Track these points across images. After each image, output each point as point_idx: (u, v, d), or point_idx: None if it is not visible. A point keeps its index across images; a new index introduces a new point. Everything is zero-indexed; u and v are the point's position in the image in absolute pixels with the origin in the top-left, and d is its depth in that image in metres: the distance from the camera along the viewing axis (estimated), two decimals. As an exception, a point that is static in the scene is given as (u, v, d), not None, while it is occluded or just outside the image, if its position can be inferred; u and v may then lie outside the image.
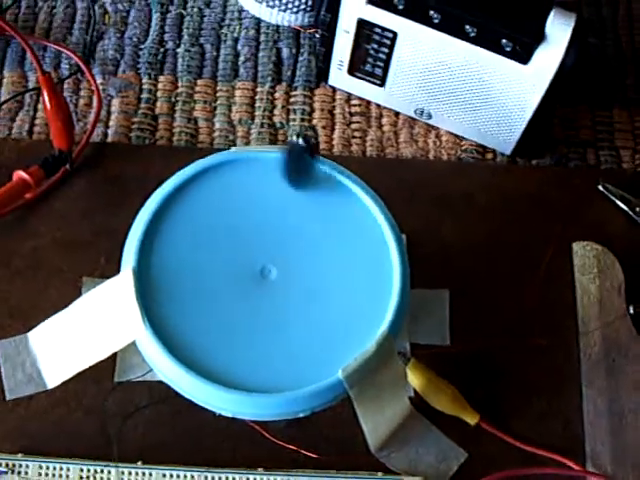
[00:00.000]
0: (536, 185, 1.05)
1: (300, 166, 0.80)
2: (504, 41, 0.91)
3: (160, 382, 0.79)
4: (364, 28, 0.97)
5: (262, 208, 0.81)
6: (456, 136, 1.08)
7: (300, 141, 0.77)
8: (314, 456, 0.86)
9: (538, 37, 0.90)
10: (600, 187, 1.04)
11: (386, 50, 0.98)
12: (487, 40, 0.92)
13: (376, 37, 0.97)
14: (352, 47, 1.00)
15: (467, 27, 0.91)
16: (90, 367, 0.79)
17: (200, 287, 0.78)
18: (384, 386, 0.80)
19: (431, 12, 0.91)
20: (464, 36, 0.92)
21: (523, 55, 0.91)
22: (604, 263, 0.98)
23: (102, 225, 0.98)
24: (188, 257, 0.79)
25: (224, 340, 0.76)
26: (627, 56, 1.16)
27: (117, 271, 0.79)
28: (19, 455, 0.85)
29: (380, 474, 0.86)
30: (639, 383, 0.91)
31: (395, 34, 0.95)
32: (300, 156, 0.79)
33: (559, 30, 0.91)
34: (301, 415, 0.77)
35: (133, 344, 0.77)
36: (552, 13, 0.91)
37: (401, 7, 0.92)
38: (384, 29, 0.95)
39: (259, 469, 0.85)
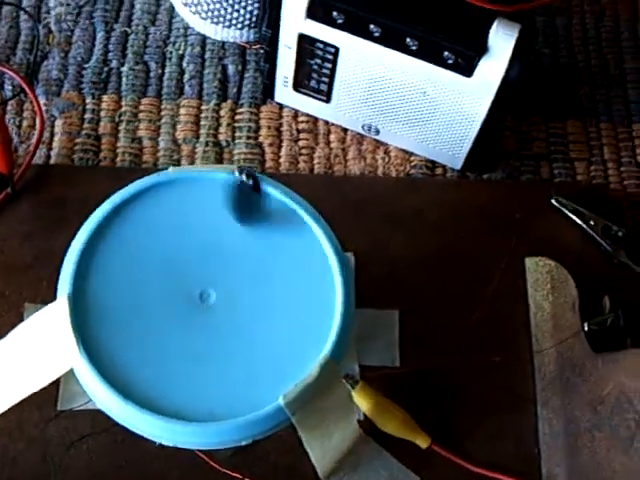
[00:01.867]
0: (487, 200, 1.03)
1: (246, 203, 0.78)
2: (446, 54, 0.89)
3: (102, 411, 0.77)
4: (305, 43, 0.95)
5: (201, 230, 0.79)
6: (405, 152, 1.06)
7: (244, 177, 0.76)
8: (260, 484, 0.84)
9: (480, 49, 0.88)
10: (553, 201, 1.02)
11: (329, 65, 0.96)
12: (429, 53, 0.90)
13: (319, 52, 0.95)
14: (295, 63, 0.98)
15: (408, 40, 0.89)
16: (33, 395, 0.76)
17: (138, 313, 0.75)
18: (329, 411, 0.78)
19: (371, 26, 0.89)
20: (406, 49, 0.90)
21: (466, 67, 0.89)
22: (557, 279, 0.97)
23: (43, 249, 0.96)
24: (125, 282, 0.77)
25: (162, 367, 0.74)
26: (580, 67, 1.15)
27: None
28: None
29: (330, 501, 0.84)
30: (595, 402, 0.89)
31: (337, 49, 0.93)
32: (245, 194, 0.77)
33: (502, 41, 0.89)
34: (243, 443, 0.74)
35: (74, 371, 0.75)
36: (495, 24, 0.89)
37: (340, 21, 0.90)
38: (325, 44, 0.94)
39: (205, 499, 0.83)
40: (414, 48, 0.89)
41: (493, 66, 0.89)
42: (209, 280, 0.77)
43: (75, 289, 0.75)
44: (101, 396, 0.73)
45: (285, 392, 0.72)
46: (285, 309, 0.77)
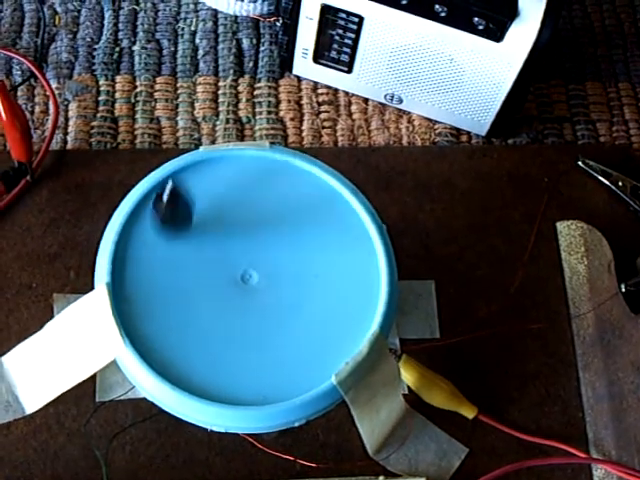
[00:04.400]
0: (515, 165, 1.02)
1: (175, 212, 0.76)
2: (476, 19, 0.87)
3: (143, 399, 0.76)
4: (328, 14, 0.93)
5: (238, 209, 0.78)
6: (429, 120, 1.05)
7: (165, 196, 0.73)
8: (311, 465, 0.84)
9: (511, 13, 0.87)
10: (580, 163, 1.01)
11: (352, 35, 0.94)
12: (458, 19, 0.88)
13: (341, 22, 0.93)
14: (316, 34, 0.96)
15: (437, 7, 0.88)
16: (69, 389, 0.75)
17: (179, 298, 0.74)
18: (378, 387, 0.77)
19: (399, -6, 0.88)
20: (434, 16, 0.89)
21: (497, 33, 0.88)
22: (591, 241, 0.96)
23: (68, 237, 0.94)
24: (164, 266, 0.75)
25: (208, 352, 0.73)
26: (596, 27, 1.14)
27: (88, 285, 0.75)
28: (3, 485, 0.82)
29: (382, 478, 0.83)
30: (637, 363, 0.89)
31: (361, 18, 0.92)
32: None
33: (532, 5, 0.88)
34: (297, 424, 0.73)
35: (112, 362, 0.73)
36: (524, -13, 0.88)
37: (368, -10, 0.89)
38: (349, 13, 0.92)
39: (256, 482, 0.83)
40: (443, 15, 0.88)
41: (524, 30, 0.88)
42: (249, 261, 0.76)
43: (113, 277, 0.73)
44: (148, 386, 0.72)
45: (337, 371, 0.71)
46: (328, 286, 0.76)
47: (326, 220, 0.78)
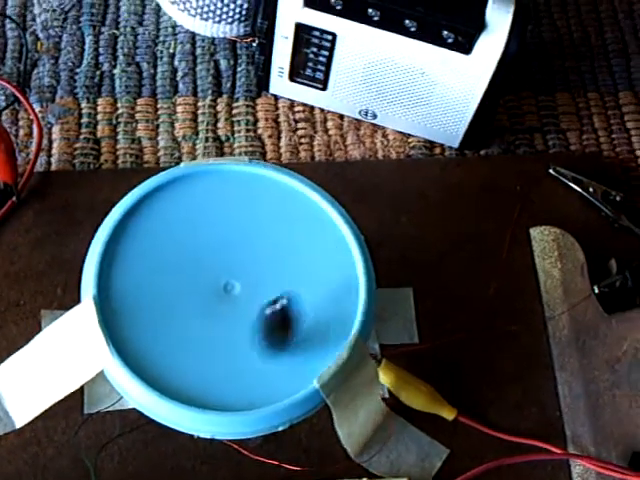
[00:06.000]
0: (487, 175, 1.05)
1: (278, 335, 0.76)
2: (445, 33, 0.90)
3: (131, 410, 0.78)
4: (303, 32, 0.96)
5: (219, 222, 0.80)
6: (403, 134, 1.07)
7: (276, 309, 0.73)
8: (296, 468, 0.85)
9: (479, 26, 0.90)
10: (551, 171, 1.04)
11: (326, 53, 0.97)
12: (428, 33, 0.91)
13: (315, 40, 0.96)
14: (291, 53, 0.99)
15: (407, 22, 0.90)
16: (57, 402, 0.77)
17: (164, 308, 0.76)
18: (359, 389, 0.79)
19: (370, 10, 0.90)
20: (405, 31, 0.92)
21: (465, 45, 0.91)
22: (564, 246, 0.99)
23: (54, 255, 0.96)
24: (148, 279, 0.77)
25: (195, 360, 0.74)
26: (564, 40, 1.17)
27: (75, 301, 0.77)
28: (-6, 498, 0.83)
29: (365, 479, 0.85)
30: (612, 361, 0.91)
31: (334, 36, 0.95)
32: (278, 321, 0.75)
33: (499, 17, 0.91)
34: (280, 428, 0.75)
35: (100, 374, 0.75)
36: (490, 0, 0.91)
37: (339, 7, 0.91)
38: (323, 31, 0.95)
39: (242, 488, 0.84)
40: (413, 29, 0.91)
41: (492, 42, 0.91)
42: (231, 271, 0.78)
43: (99, 289, 0.75)
44: (137, 395, 0.74)
45: (319, 375, 0.73)
46: (309, 293, 0.77)
47: (306, 231, 0.80)
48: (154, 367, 0.73)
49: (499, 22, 0.91)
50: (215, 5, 1.05)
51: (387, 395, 0.89)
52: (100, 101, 1.08)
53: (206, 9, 1.06)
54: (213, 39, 1.13)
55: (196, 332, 0.76)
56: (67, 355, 0.76)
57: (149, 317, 0.76)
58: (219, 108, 1.09)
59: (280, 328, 0.73)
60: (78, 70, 1.10)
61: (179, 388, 0.73)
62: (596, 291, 0.96)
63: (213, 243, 0.79)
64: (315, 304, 0.77)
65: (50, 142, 1.05)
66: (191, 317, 0.76)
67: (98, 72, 1.10)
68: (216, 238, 0.79)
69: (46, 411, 0.78)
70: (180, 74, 1.11)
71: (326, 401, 0.75)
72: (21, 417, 0.80)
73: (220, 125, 1.08)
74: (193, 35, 1.13)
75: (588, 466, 0.87)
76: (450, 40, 0.91)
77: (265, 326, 0.73)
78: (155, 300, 0.76)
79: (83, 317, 0.74)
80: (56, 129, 1.06)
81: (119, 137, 1.06)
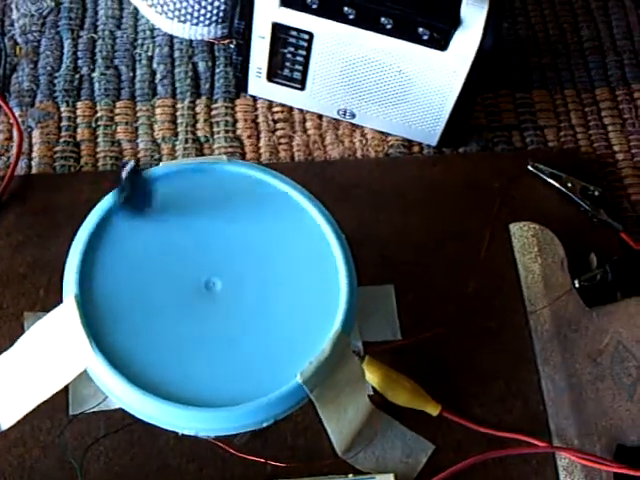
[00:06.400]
0: (466, 172, 1.05)
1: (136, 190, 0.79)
2: (421, 29, 0.91)
3: (116, 410, 0.78)
4: (280, 32, 0.96)
5: (199, 221, 0.80)
6: (381, 133, 1.08)
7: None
8: (282, 465, 0.85)
9: (454, 22, 0.91)
10: (530, 167, 1.04)
11: (303, 52, 0.98)
12: (404, 31, 0.92)
13: (292, 40, 0.96)
14: (269, 53, 1.00)
15: (383, 19, 0.91)
16: (43, 403, 0.76)
17: (146, 306, 0.76)
18: (343, 386, 0.79)
19: (345, 8, 0.91)
20: (380, 29, 0.92)
21: (441, 42, 0.92)
22: (543, 241, 0.99)
23: (36, 257, 0.96)
24: (130, 277, 0.77)
25: (177, 357, 0.74)
26: (540, 38, 1.18)
27: (57, 302, 0.76)
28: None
29: (351, 476, 0.85)
30: (594, 354, 0.92)
31: (311, 35, 0.95)
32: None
33: (474, 13, 0.91)
34: (265, 425, 0.75)
35: (84, 374, 0.75)
36: (465, -3, 0.92)
37: (315, 6, 0.92)
38: (300, 31, 0.95)
39: (229, 485, 0.84)
40: (389, 27, 0.91)
41: (467, 38, 0.92)
42: (213, 269, 0.78)
43: (81, 289, 0.75)
44: (120, 393, 0.74)
45: (302, 370, 0.73)
46: (291, 290, 0.78)
47: (287, 230, 0.80)
48: (137, 365, 0.73)
49: (474, 18, 0.91)
50: (192, 7, 1.05)
51: (371, 392, 0.89)
52: (79, 104, 1.09)
53: (184, 11, 1.06)
54: (191, 41, 1.13)
55: (178, 329, 0.76)
56: (51, 355, 0.76)
57: (131, 315, 0.75)
58: (198, 110, 1.09)
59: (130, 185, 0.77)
60: (57, 74, 1.10)
61: (162, 385, 0.73)
62: (577, 285, 0.97)
63: (194, 241, 0.79)
64: (297, 301, 0.77)
65: (30, 146, 1.05)
66: (173, 314, 0.76)
67: (77, 76, 1.11)
68: (197, 236, 0.79)
69: (31, 412, 0.77)
70: (159, 76, 1.11)
71: (310, 396, 0.75)
72: (7, 419, 0.79)
73: (199, 126, 1.08)
74: (171, 38, 1.13)
75: (573, 459, 0.88)
76: (426, 37, 0.91)
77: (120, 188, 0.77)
78: (137, 298, 0.76)
79: (65, 317, 0.74)
80: (36, 133, 1.06)
81: (99, 140, 1.06)
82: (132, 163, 0.75)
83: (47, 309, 0.78)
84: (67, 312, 0.74)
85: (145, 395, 0.72)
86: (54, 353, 0.75)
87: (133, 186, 0.77)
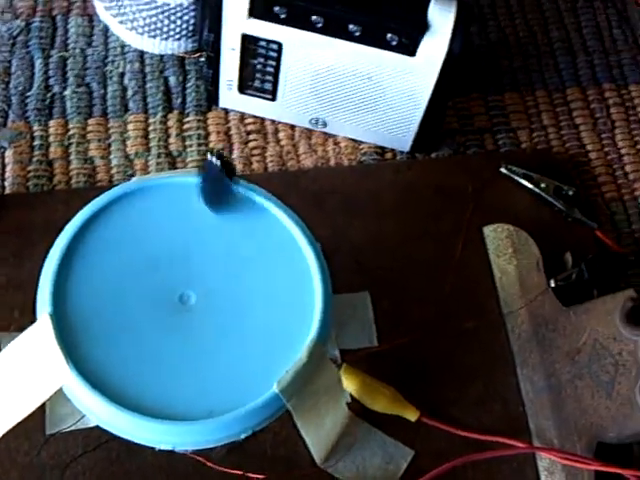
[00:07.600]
0: (439, 176, 1.05)
1: (218, 188, 0.79)
2: (389, 35, 0.91)
3: (93, 428, 0.77)
4: (249, 43, 0.96)
5: (173, 234, 0.80)
6: (354, 141, 1.08)
7: (216, 161, 0.76)
8: (262, 477, 0.85)
9: (422, 27, 0.91)
10: (502, 169, 1.05)
11: (273, 63, 0.98)
12: (372, 37, 0.92)
13: (262, 51, 0.97)
14: (239, 65, 1.00)
15: (351, 27, 0.91)
16: (19, 423, 0.76)
17: (121, 322, 0.76)
18: (320, 394, 0.78)
19: (313, 17, 0.91)
20: (349, 36, 0.92)
21: (409, 47, 0.92)
22: (518, 242, 0.99)
23: (10, 277, 0.96)
24: (104, 293, 0.77)
25: (153, 372, 0.74)
26: (510, 40, 1.19)
27: (33, 322, 0.76)
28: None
29: (331, 484, 0.85)
30: (572, 353, 0.91)
31: (280, 45, 0.95)
32: (218, 178, 0.78)
33: (442, 17, 0.91)
34: (243, 436, 0.75)
35: (61, 393, 0.74)
36: (432, 2, 0.91)
37: (283, 16, 0.92)
38: (269, 41, 0.95)
39: (208, 500, 0.84)
40: (357, 34, 0.92)
41: (436, 42, 0.92)
42: (186, 282, 0.78)
43: (55, 306, 0.75)
44: (96, 409, 0.73)
45: (278, 379, 0.73)
46: (266, 301, 0.78)
47: (261, 240, 0.80)
48: (113, 380, 0.73)
49: (442, 23, 0.91)
50: (162, 22, 1.06)
51: (349, 400, 0.89)
52: (52, 123, 1.09)
53: (153, 27, 1.06)
54: (161, 56, 1.13)
55: (153, 343, 0.75)
56: (26, 374, 0.75)
57: (106, 331, 0.75)
58: (170, 124, 1.09)
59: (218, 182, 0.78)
60: (29, 93, 1.11)
61: (138, 400, 0.72)
62: (553, 285, 0.97)
63: (168, 255, 0.79)
64: (272, 312, 0.77)
65: (3, 166, 1.05)
66: (148, 329, 0.76)
67: (49, 94, 1.11)
68: (171, 250, 0.79)
69: (8, 433, 0.77)
70: (130, 92, 1.11)
71: (287, 406, 0.75)
72: (-16, 439, 0.79)
73: (172, 141, 1.08)
74: (142, 53, 1.13)
75: (554, 459, 0.88)
76: (394, 43, 0.91)
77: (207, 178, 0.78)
78: (112, 314, 0.76)
79: (40, 335, 0.74)
80: (9, 153, 1.06)
81: (72, 158, 1.06)
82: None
83: (22, 329, 0.77)
84: (41, 330, 0.74)
85: (121, 410, 0.71)
86: (30, 372, 0.75)
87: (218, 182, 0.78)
